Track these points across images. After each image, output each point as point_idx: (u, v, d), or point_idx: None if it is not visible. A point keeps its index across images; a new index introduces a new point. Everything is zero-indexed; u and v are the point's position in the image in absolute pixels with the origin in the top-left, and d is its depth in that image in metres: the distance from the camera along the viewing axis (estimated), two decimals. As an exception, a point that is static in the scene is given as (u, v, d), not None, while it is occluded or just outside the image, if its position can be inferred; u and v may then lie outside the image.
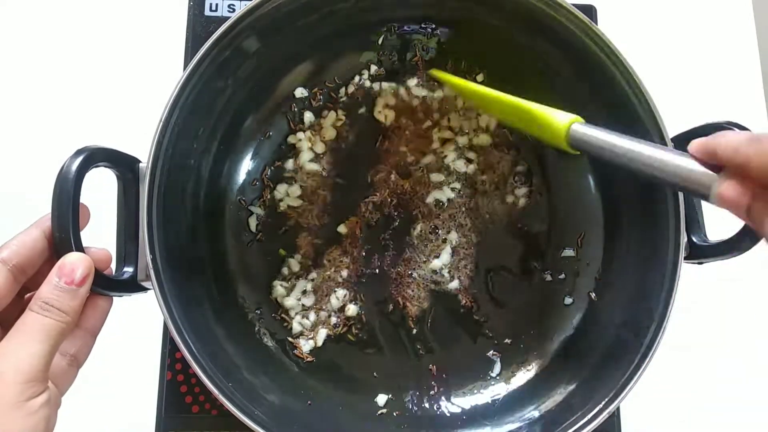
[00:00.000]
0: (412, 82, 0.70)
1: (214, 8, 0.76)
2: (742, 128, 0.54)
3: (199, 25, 0.75)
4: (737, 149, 0.36)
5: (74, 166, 0.45)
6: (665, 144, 0.56)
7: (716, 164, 0.40)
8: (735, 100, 0.82)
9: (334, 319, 0.65)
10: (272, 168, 0.68)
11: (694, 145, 0.41)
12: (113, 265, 0.50)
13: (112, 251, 0.50)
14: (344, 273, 0.66)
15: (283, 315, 0.65)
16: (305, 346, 0.64)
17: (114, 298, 0.49)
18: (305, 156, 0.68)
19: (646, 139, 0.57)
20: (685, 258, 0.57)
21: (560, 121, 0.53)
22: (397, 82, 0.70)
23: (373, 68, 0.70)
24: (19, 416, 0.38)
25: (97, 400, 0.64)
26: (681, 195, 0.56)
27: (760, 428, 0.72)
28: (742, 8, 0.85)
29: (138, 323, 0.65)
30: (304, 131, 0.68)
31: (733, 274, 0.72)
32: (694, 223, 0.58)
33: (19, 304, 0.44)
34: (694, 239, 0.57)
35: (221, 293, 0.62)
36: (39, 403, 0.39)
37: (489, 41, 0.67)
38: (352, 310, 0.65)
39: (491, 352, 0.66)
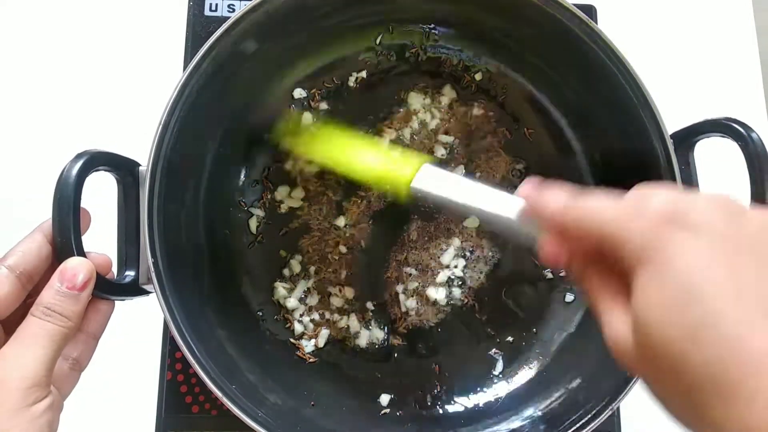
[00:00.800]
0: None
1: (214, 8, 0.76)
2: (742, 124, 0.54)
3: (199, 25, 0.75)
4: (554, 215, 0.36)
5: (74, 171, 0.45)
6: (664, 141, 0.56)
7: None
8: (734, 99, 0.82)
9: (336, 317, 0.65)
10: (272, 169, 0.68)
11: (523, 194, 0.40)
12: (114, 269, 0.50)
13: (113, 255, 0.50)
14: (343, 273, 0.66)
15: (285, 316, 0.65)
16: (307, 346, 0.64)
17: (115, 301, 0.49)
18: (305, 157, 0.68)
19: (645, 137, 0.58)
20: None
21: (403, 176, 0.52)
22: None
23: (372, 68, 0.70)
24: (23, 421, 0.38)
25: (97, 400, 0.64)
26: (681, 192, 0.56)
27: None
28: (742, 8, 0.85)
29: (138, 323, 0.64)
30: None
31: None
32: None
33: (22, 309, 0.43)
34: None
35: (222, 295, 0.62)
36: (42, 408, 0.39)
37: (488, 40, 0.68)
38: (354, 322, 0.65)
39: (493, 350, 0.66)
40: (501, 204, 0.43)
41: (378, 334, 0.65)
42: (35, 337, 0.40)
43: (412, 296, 0.66)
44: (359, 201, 0.67)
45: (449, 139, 0.69)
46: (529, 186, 0.39)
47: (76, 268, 0.43)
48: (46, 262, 0.44)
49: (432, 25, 0.68)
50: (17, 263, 0.42)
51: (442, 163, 0.69)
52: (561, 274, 0.67)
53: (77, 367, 0.46)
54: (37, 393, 0.39)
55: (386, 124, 0.69)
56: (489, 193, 0.45)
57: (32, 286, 0.44)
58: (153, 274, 0.49)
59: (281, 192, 0.67)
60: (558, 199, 0.36)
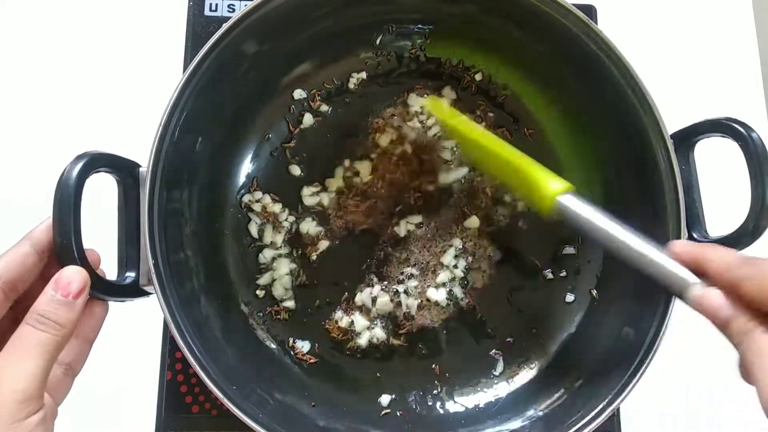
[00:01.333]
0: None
1: (214, 8, 0.76)
2: (742, 124, 0.54)
3: (199, 25, 0.75)
4: (729, 269, 0.38)
5: (75, 172, 0.45)
6: (664, 141, 0.56)
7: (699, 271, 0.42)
8: (734, 99, 0.82)
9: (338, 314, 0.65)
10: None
11: (680, 250, 0.43)
12: (115, 271, 0.50)
13: (113, 256, 0.50)
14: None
15: (285, 317, 0.65)
16: (304, 347, 0.64)
17: (111, 303, 0.48)
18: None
19: (645, 137, 0.58)
20: (687, 255, 0.56)
21: (549, 188, 0.52)
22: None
23: (372, 69, 0.70)
24: None
25: (97, 401, 0.64)
26: (681, 192, 0.56)
27: (759, 429, 0.72)
28: (742, 8, 0.85)
29: (138, 323, 0.65)
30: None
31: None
32: (695, 219, 0.57)
33: (9, 320, 0.43)
34: (694, 235, 0.57)
35: (223, 296, 0.63)
36: (35, 421, 0.39)
37: (488, 41, 0.68)
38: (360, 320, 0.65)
39: (493, 351, 0.66)
40: (652, 250, 0.45)
41: (379, 334, 0.65)
42: (28, 347, 0.40)
43: (413, 296, 0.66)
44: (360, 202, 0.67)
45: (451, 143, 0.69)
46: (685, 242, 0.44)
47: (70, 276, 0.42)
48: (32, 271, 0.44)
49: (432, 26, 0.68)
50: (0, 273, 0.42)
51: (445, 166, 0.69)
52: (561, 274, 0.67)
53: (70, 373, 0.46)
54: (31, 406, 0.39)
55: (387, 125, 0.69)
56: (637, 240, 0.46)
57: (16, 295, 0.43)
58: (153, 275, 0.49)
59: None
60: (729, 255, 0.39)
